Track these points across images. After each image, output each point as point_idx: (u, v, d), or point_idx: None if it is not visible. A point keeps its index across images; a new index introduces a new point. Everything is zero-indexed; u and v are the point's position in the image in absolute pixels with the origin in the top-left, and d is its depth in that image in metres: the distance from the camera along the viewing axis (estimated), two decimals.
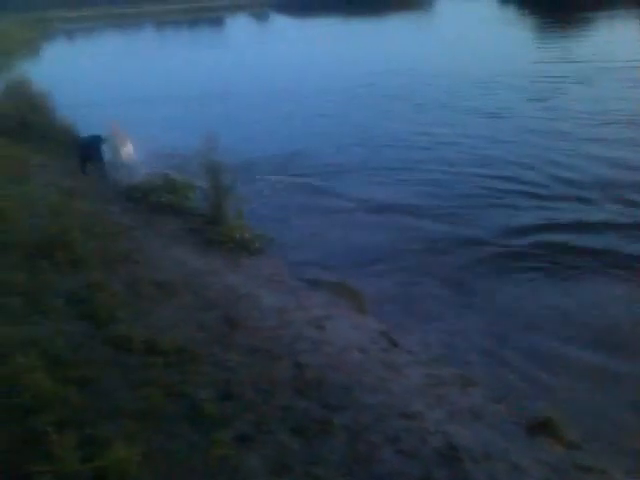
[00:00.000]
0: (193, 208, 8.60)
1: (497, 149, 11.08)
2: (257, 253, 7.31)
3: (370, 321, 5.45)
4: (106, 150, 10.19)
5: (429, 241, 7.54)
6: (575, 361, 4.97)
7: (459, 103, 14.99)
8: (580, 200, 8.33)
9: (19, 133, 12.02)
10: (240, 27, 62.10)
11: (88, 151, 10.11)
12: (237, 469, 3.07)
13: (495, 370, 4.86)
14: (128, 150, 10.44)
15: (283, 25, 58.42)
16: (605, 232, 7.30)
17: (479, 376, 4.68)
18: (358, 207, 8.96)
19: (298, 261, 7.16)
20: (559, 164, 9.82)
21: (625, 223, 7.46)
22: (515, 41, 25.98)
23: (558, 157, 10.14)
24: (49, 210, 7.07)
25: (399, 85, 18.32)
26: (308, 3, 74.00)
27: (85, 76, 27.93)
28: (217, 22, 70.58)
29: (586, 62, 18.24)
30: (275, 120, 15.39)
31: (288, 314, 5.40)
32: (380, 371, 4.40)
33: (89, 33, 67.39)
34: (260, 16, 73.13)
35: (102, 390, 3.53)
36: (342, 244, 7.69)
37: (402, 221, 8.29)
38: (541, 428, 3.92)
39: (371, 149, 11.99)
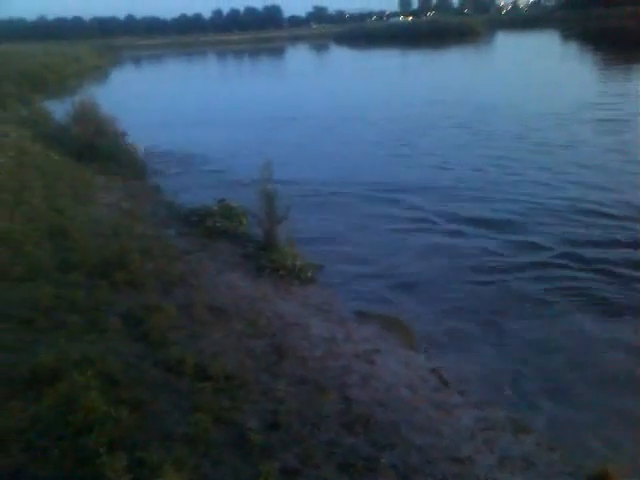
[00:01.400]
0: (247, 234, 8.71)
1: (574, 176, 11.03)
2: (308, 281, 7.31)
3: (420, 357, 5.35)
4: None
5: (492, 269, 7.44)
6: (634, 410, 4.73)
7: (531, 134, 14.85)
8: None
9: (85, 155, 12.52)
10: (301, 57, 63.42)
11: None
12: None
13: (549, 416, 4.67)
14: None
15: (343, 56, 59.37)
16: None
17: (532, 421, 4.51)
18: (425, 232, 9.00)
19: (350, 289, 7.14)
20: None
21: None
22: (580, 75, 25.73)
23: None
24: (110, 231, 7.32)
25: (463, 115, 18.27)
26: (366, 35, 75.29)
27: (148, 100, 29.13)
28: (278, 52, 72.40)
29: None
30: (344, 146, 15.54)
31: (337, 346, 5.37)
32: (430, 411, 4.31)
33: (156, 60, 70.12)
34: (320, 47, 74.68)
35: (153, 413, 3.56)
36: (400, 270, 7.65)
37: (465, 246, 8.26)
38: None
39: (447, 174, 12.05)
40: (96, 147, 13.18)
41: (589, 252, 7.62)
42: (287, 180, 11.17)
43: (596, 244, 7.87)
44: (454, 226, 9.06)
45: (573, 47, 44.40)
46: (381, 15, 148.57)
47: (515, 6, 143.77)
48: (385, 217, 9.67)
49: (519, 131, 15.28)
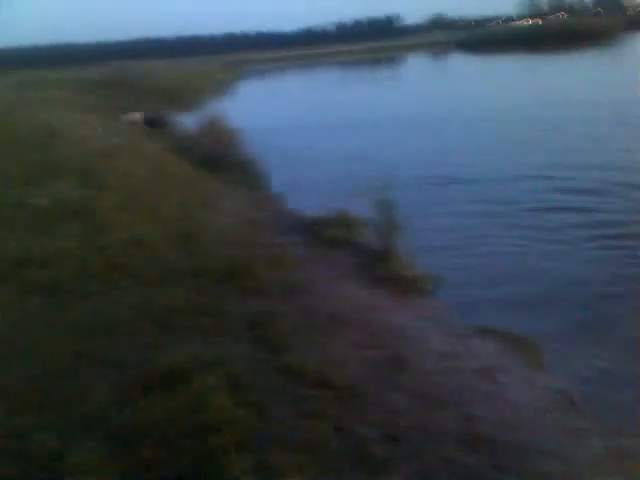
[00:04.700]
0: (365, 243, 8.74)
1: None
2: (426, 293, 7.20)
3: (548, 377, 5.07)
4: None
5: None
6: None
7: None
8: None
9: (214, 165, 13.21)
10: (421, 65, 62.69)
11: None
12: None
13: None
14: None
15: (464, 63, 58.01)
16: None
17: None
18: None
19: (470, 301, 6.93)
20: None
21: None
22: None
23: None
24: (236, 238, 7.66)
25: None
26: (490, 40, 73.20)
27: (270, 109, 30.26)
28: (400, 60, 72.21)
29: None
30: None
31: (457, 361, 5.23)
32: (558, 435, 4.07)
33: (277, 73, 72.47)
34: (442, 54, 73.66)
35: (276, 417, 3.67)
36: (525, 279, 7.35)
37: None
38: None
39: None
40: (223, 158, 13.87)
41: None
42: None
43: None
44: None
45: None
46: (507, 19, 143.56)
47: None
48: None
49: None
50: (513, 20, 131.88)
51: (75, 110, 16.69)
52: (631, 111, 17.37)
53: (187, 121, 19.78)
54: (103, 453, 3.03)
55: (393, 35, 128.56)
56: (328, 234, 8.90)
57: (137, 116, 19.64)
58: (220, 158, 13.92)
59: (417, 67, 59.33)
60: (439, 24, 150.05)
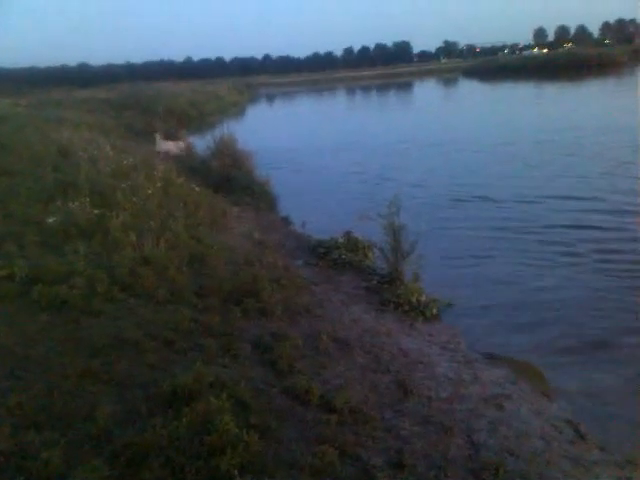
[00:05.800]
0: (372, 267, 8.75)
1: None
2: (433, 318, 7.18)
3: (554, 407, 5.02)
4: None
5: None
6: None
7: None
8: None
9: (222, 186, 13.31)
10: (431, 92, 63.03)
11: None
12: None
13: None
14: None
15: (474, 90, 58.38)
16: None
17: None
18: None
19: (477, 328, 6.89)
20: None
21: None
22: None
23: None
24: (243, 259, 7.69)
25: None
26: (497, 69, 73.82)
27: (281, 132, 30.61)
28: (406, 86, 72.80)
29: None
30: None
31: (463, 387, 5.20)
32: (565, 465, 4.02)
33: (289, 96, 73.22)
34: (449, 81, 74.26)
35: (280, 440, 3.65)
36: (534, 308, 7.29)
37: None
38: None
39: None
40: (232, 180, 13.98)
41: None
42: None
43: None
44: None
45: None
46: (514, 48, 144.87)
47: None
48: None
49: None
50: (520, 49, 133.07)
51: (87, 130, 16.87)
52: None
53: (200, 142, 19.96)
54: (106, 473, 3.02)
55: (402, 62, 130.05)
56: (334, 257, 8.93)
57: (172, 145, 18.56)
58: (231, 179, 14.05)
59: (427, 93, 59.75)
60: (448, 52, 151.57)
